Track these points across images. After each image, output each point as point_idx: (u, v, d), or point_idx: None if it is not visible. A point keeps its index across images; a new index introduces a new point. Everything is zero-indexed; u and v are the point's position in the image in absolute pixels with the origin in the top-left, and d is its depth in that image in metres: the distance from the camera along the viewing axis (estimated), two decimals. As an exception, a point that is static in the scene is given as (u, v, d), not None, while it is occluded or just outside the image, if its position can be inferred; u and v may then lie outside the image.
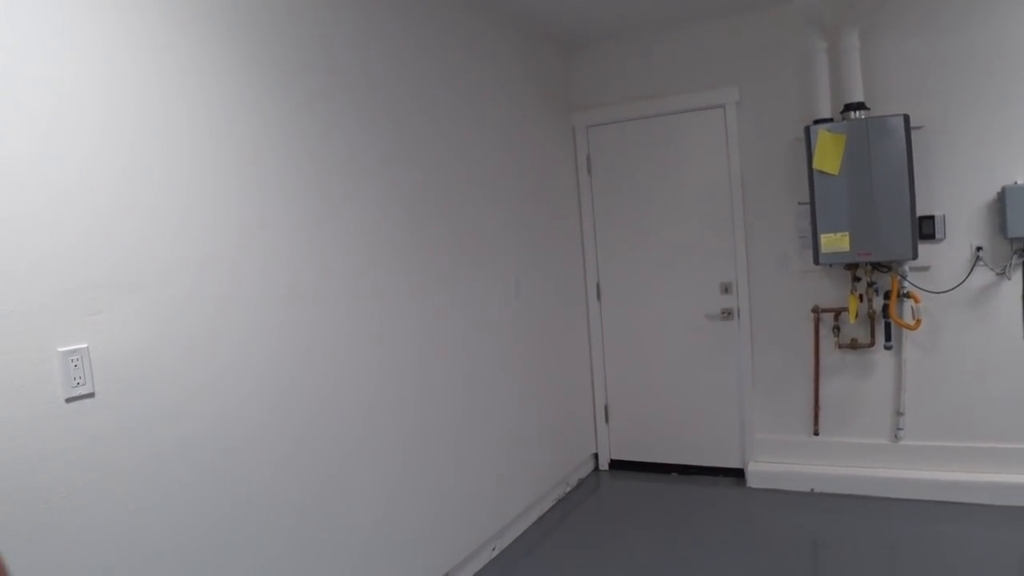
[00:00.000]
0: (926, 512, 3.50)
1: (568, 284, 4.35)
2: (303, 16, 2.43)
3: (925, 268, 3.63)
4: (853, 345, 3.82)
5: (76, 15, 1.73)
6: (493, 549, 3.42)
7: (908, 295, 3.62)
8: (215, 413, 2.04)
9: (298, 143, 2.39)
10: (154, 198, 1.90)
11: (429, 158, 3.07)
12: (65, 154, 1.69)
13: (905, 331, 3.70)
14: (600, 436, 4.58)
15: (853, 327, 3.84)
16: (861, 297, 3.75)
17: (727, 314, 4.17)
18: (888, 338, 3.72)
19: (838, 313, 3.84)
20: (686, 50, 4.13)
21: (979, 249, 3.53)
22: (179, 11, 1.99)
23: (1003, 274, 3.51)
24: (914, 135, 3.46)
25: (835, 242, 3.56)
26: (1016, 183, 3.40)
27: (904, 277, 3.61)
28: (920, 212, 3.57)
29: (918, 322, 3.62)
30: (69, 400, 1.67)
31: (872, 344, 3.77)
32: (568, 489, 4.24)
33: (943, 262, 3.61)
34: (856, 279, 3.73)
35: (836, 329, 3.85)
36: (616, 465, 4.57)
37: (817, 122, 3.60)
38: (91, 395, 1.71)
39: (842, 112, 3.59)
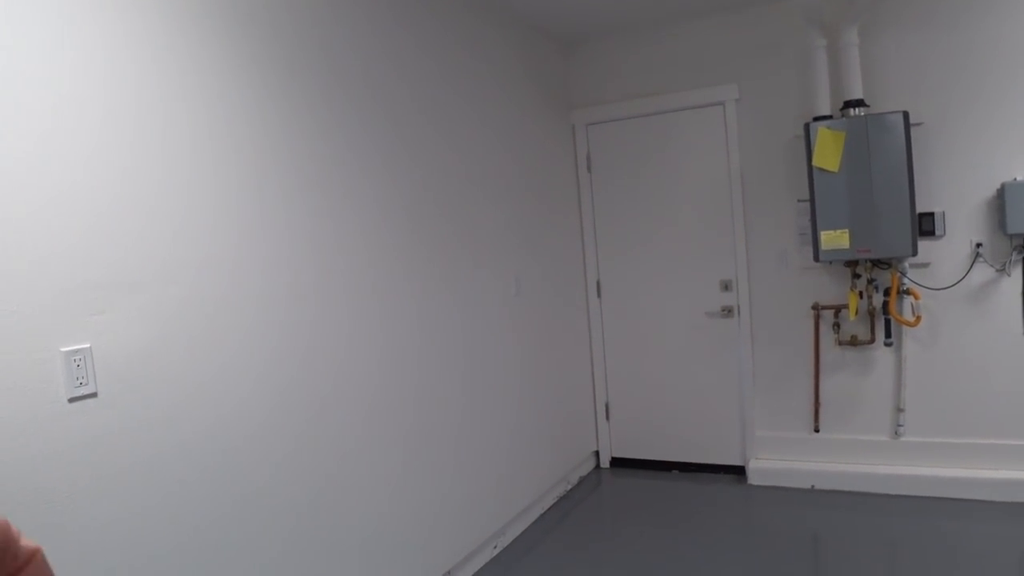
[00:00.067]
0: (926, 508, 3.51)
1: (568, 282, 4.35)
2: (303, 16, 2.43)
3: (925, 265, 3.63)
4: (853, 342, 3.82)
5: (76, 15, 1.73)
6: (494, 547, 3.42)
7: (908, 292, 3.62)
8: (216, 413, 2.05)
9: (298, 143, 2.39)
10: (154, 198, 1.90)
11: (429, 157, 3.07)
12: (65, 154, 1.69)
13: (905, 328, 3.70)
14: (601, 434, 4.59)
15: (853, 324, 3.84)
16: (861, 294, 3.75)
17: (727, 311, 4.17)
18: (888, 335, 3.73)
19: (838, 310, 3.84)
20: (686, 47, 4.13)
21: (979, 245, 3.53)
22: (179, 11, 1.99)
23: (1003, 270, 3.51)
24: (913, 132, 3.47)
25: (835, 239, 3.57)
26: (1015, 179, 3.40)
27: (904, 274, 3.62)
28: (920, 209, 3.57)
29: (918, 319, 3.62)
30: (72, 400, 1.67)
31: (872, 341, 3.78)
32: (569, 487, 4.24)
33: (943, 259, 3.62)
34: (856, 276, 3.73)
35: (836, 326, 3.86)
36: (617, 463, 4.58)
37: (817, 119, 3.60)
38: (94, 395, 1.72)
39: (842, 109, 3.59)
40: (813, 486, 3.91)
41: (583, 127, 4.44)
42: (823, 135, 3.53)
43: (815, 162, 3.57)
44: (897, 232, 3.44)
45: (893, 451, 3.80)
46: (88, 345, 1.71)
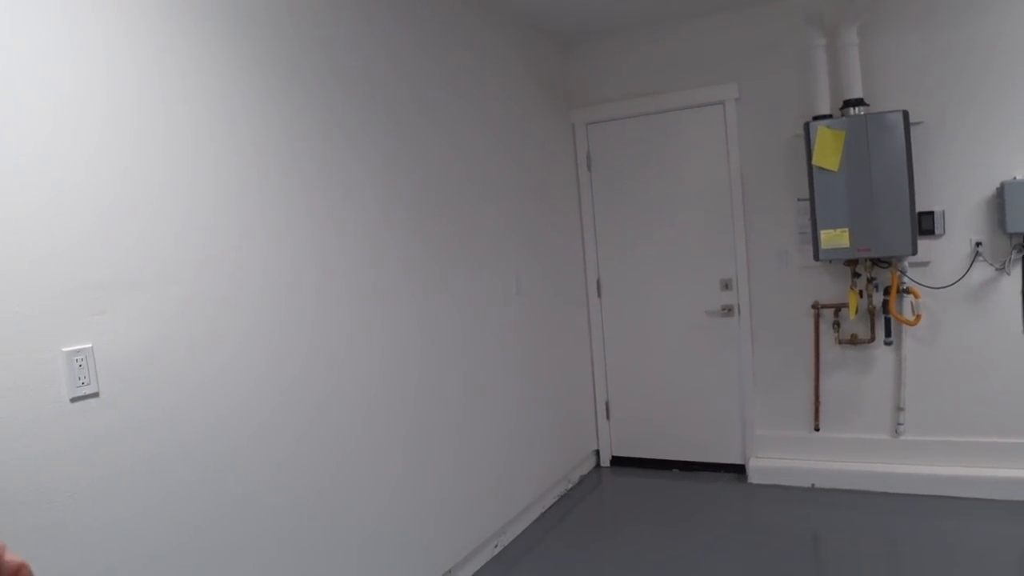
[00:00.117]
0: (926, 507, 3.51)
1: (569, 281, 4.35)
2: (304, 17, 2.43)
3: (925, 264, 3.64)
4: (853, 341, 3.83)
5: (79, 15, 1.73)
6: (495, 546, 3.43)
7: (908, 291, 3.63)
8: (217, 413, 2.05)
9: (299, 143, 2.39)
10: (156, 198, 1.90)
11: (430, 157, 3.08)
12: (66, 154, 1.70)
13: (905, 326, 3.71)
14: (601, 433, 4.59)
15: (853, 323, 3.84)
16: (861, 293, 3.75)
17: (727, 310, 4.18)
18: (888, 334, 3.73)
19: (838, 309, 3.85)
20: (686, 47, 4.13)
21: (978, 244, 3.53)
22: (180, 12, 1.99)
23: (1002, 269, 3.51)
24: (913, 131, 3.47)
25: (835, 238, 3.57)
26: (1015, 179, 3.40)
27: (904, 273, 3.62)
28: (919, 208, 3.57)
29: (918, 317, 3.62)
30: (74, 400, 1.68)
31: (872, 340, 3.78)
32: (570, 486, 4.25)
33: (942, 258, 3.62)
34: (856, 275, 3.74)
35: (836, 325, 3.86)
36: (617, 461, 4.58)
37: (816, 118, 3.60)
38: (95, 395, 1.72)
39: (841, 108, 3.59)
40: (813, 485, 3.91)
41: (583, 126, 4.44)
42: (823, 134, 3.54)
43: (815, 161, 3.57)
44: (897, 231, 3.45)
45: (893, 450, 3.80)
46: (90, 345, 1.71)
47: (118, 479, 1.77)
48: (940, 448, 3.69)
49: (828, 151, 3.53)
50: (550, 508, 3.95)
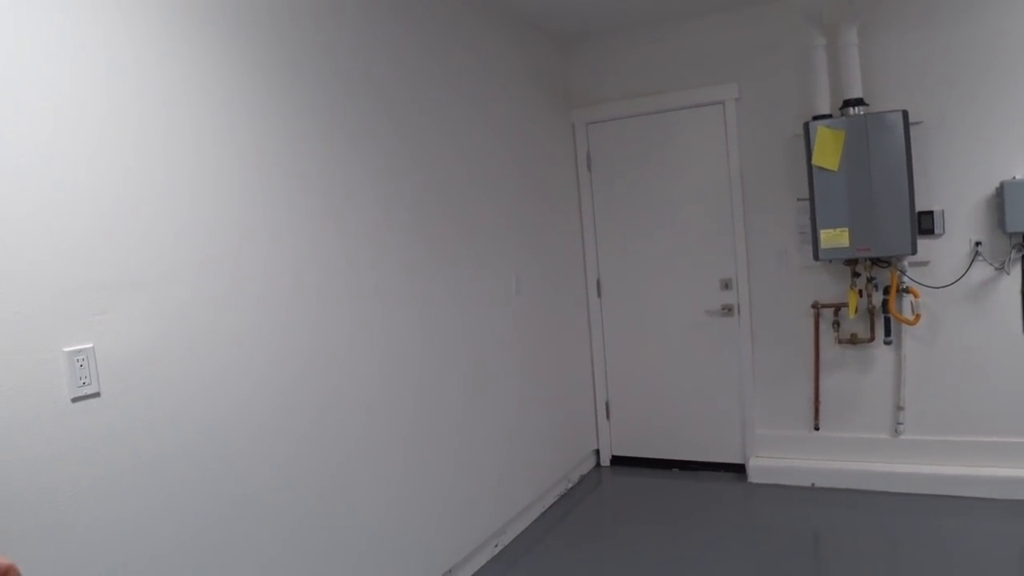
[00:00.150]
0: (926, 506, 3.51)
1: (569, 281, 4.35)
2: (305, 20, 2.43)
3: (924, 263, 3.64)
4: (853, 340, 3.83)
5: (80, 16, 1.73)
6: (495, 546, 3.43)
7: (907, 290, 3.63)
8: (217, 413, 2.05)
9: (300, 144, 2.39)
10: (157, 199, 1.90)
11: (430, 158, 3.08)
12: (67, 154, 1.70)
13: (905, 326, 3.71)
14: (601, 432, 4.59)
15: (853, 322, 3.85)
16: (861, 292, 3.76)
17: (727, 310, 4.18)
18: (888, 333, 3.73)
19: (838, 308, 3.85)
20: (685, 47, 4.13)
21: (978, 244, 3.54)
22: (182, 16, 1.99)
23: (1002, 269, 3.52)
24: (913, 131, 3.47)
25: (834, 238, 3.57)
26: (1015, 178, 3.40)
27: (903, 272, 3.62)
28: (919, 207, 3.58)
29: (917, 317, 3.63)
30: (75, 400, 1.68)
31: (872, 339, 3.79)
32: (570, 485, 4.25)
33: (942, 257, 3.62)
34: (856, 274, 3.74)
35: (836, 324, 3.86)
36: (617, 461, 4.58)
37: (816, 118, 3.61)
38: (97, 395, 1.72)
39: (841, 108, 3.60)
40: (813, 484, 3.91)
41: (583, 126, 4.44)
42: (823, 134, 3.54)
43: (815, 161, 3.57)
44: (896, 231, 3.45)
45: (893, 449, 3.80)
46: (91, 345, 1.72)
47: (119, 479, 1.77)
48: (940, 447, 3.69)
49: (828, 151, 3.54)
50: (550, 508, 3.95)
